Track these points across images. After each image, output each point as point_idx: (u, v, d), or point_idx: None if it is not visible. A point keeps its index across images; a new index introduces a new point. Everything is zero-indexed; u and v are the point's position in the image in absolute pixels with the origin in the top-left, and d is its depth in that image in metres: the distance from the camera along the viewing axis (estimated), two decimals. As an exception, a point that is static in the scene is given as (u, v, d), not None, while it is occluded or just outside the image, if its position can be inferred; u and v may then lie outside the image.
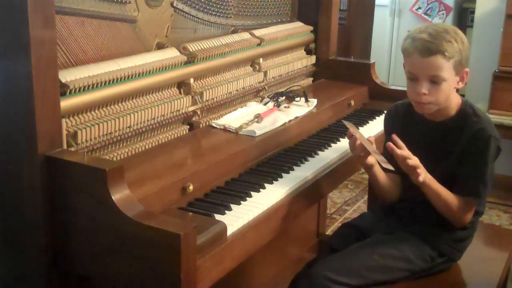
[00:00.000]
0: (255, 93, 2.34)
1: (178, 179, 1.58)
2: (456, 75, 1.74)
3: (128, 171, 1.47)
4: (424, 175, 1.72)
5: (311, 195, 1.85)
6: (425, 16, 5.57)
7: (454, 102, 1.81)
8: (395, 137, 1.73)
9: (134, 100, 1.80)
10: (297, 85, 2.47)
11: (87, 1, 1.69)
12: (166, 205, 1.52)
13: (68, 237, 1.46)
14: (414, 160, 1.71)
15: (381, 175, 1.87)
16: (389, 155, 1.95)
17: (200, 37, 2.13)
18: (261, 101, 2.30)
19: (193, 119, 2.00)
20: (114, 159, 1.68)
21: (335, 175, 1.97)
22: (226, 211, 1.54)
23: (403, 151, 1.71)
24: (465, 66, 1.76)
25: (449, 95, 1.76)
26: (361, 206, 3.72)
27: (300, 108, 2.24)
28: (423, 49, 1.69)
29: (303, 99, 2.28)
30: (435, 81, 1.71)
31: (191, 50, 2.00)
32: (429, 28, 1.73)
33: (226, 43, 2.17)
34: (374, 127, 2.34)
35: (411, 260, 1.80)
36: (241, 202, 1.61)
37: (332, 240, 2.07)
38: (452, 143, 1.80)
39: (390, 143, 1.72)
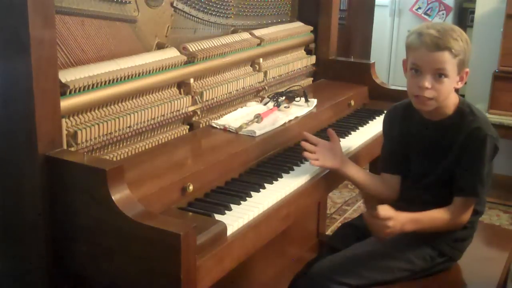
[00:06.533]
0: (255, 93, 2.34)
1: (178, 179, 1.58)
2: (457, 74, 1.75)
3: (128, 171, 1.47)
4: (397, 227, 1.72)
5: (311, 195, 1.85)
6: (425, 16, 5.57)
7: (452, 101, 1.81)
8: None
9: (134, 100, 1.80)
10: (297, 85, 2.47)
11: (87, 1, 1.69)
12: (166, 205, 1.52)
13: (68, 237, 1.46)
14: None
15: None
16: (386, 158, 1.96)
17: (200, 37, 2.13)
18: (261, 101, 2.30)
19: (193, 119, 2.00)
20: (114, 159, 1.68)
21: (335, 175, 1.97)
22: (226, 211, 1.54)
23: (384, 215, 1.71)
24: (466, 66, 1.77)
25: (449, 93, 1.77)
26: (361, 206, 3.72)
27: (300, 108, 2.24)
28: (431, 44, 1.70)
29: (303, 99, 2.28)
30: (439, 74, 1.71)
31: (191, 50, 2.00)
32: (436, 25, 1.75)
33: (226, 43, 2.17)
34: (374, 127, 2.34)
35: (411, 260, 1.80)
36: (241, 202, 1.61)
37: (332, 240, 2.07)
38: (450, 142, 1.80)
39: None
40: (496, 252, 2.05)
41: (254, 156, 1.89)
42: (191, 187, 1.59)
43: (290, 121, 2.12)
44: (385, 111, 2.07)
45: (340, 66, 2.75)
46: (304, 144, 1.83)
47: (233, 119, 2.05)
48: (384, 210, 1.70)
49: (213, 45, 2.11)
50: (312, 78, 2.75)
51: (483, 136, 1.75)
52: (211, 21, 2.21)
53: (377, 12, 4.79)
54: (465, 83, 1.81)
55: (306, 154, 1.81)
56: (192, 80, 1.98)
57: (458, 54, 1.71)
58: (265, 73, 2.36)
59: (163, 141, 1.87)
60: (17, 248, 1.55)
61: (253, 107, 2.19)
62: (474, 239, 1.92)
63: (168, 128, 1.91)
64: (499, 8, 3.84)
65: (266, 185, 1.72)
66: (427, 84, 1.72)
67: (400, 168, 1.92)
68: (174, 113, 1.90)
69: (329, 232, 3.21)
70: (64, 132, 1.54)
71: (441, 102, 1.77)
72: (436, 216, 1.78)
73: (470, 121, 1.78)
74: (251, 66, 2.35)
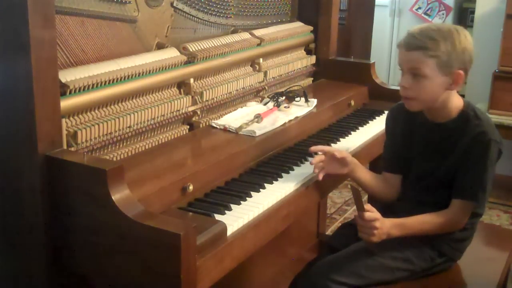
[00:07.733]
0: (255, 93, 2.34)
1: (178, 179, 1.58)
2: (443, 76, 1.71)
3: (128, 171, 1.47)
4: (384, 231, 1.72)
5: (311, 195, 1.85)
6: (425, 16, 5.57)
7: (455, 104, 1.80)
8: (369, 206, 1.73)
9: (134, 100, 1.80)
10: (297, 85, 2.47)
11: (87, 1, 1.69)
12: (166, 205, 1.52)
13: (68, 237, 1.46)
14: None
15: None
16: (388, 157, 1.96)
17: (200, 37, 2.13)
18: (261, 101, 2.30)
19: (193, 119, 2.00)
20: (114, 159, 1.68)
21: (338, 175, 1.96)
22: (226, 211, 1.54)
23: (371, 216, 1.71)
24: (456, 68, 1.72)
25: (435, 95, 1.74)
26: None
27: (300, 108, 2.24)
28: (404, 44, 1.73)
29: (303, 99, 2.28)
30: (415, 74, 1.71)
31: (191, 50, 2.00)
32: (425, 25, 1.76)
33: (226, 43, 2.17)
34: (374, 127, 2.34)
35: (411, 260, 1.80)
36: (241, 202, 1.61)
37: (332, 240, 2.07)
38: (453, 145, 1.79)
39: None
40: (496, 252, 2.05)
41: (254, 156, 1.89)
42: (191, 187, 1.59)
43: (290, 121, 2.12)
44: (385, 111, 2.07)
45: (340, 66, 2.75)
46: (315, 163, 1.82)
47: (233, 119, 2.05)
48: (370, 213, 1.70)
49: (213, 45, 2.11)
50: (312, 78, 2.75)
51: (487, 141, 1.74)
52: (211, 21, 2.21)
53: (377, 12, 4.79)
54: (465, 83, 1.80)
55: (315, 171, 1.81)
56: (192, 80, 1.98)
57: (435, 55, 1.68)
58: (265, 73, 2.36)
59: (163, 141, 1.87)
60: (17, 248, 1.55)
61: (253, 107, 2.19)
62: (474, 239, 1.92)
63: (168, 128, 1.91)
64: (499, 8, 3.84)
65: (266, 185, 1.72)
66: (403, 82, 1.75)
67: (401, 167, 1.92)
68: (174, 113, 1.90)
69: (329, 232, 3.21)
70: (64, 132, 1.54)
71: (426, 103, 1.76)
72: (426, 220, 1.77)
73: (475, 125, 1.76)
74: (251, 66, 2.35)
